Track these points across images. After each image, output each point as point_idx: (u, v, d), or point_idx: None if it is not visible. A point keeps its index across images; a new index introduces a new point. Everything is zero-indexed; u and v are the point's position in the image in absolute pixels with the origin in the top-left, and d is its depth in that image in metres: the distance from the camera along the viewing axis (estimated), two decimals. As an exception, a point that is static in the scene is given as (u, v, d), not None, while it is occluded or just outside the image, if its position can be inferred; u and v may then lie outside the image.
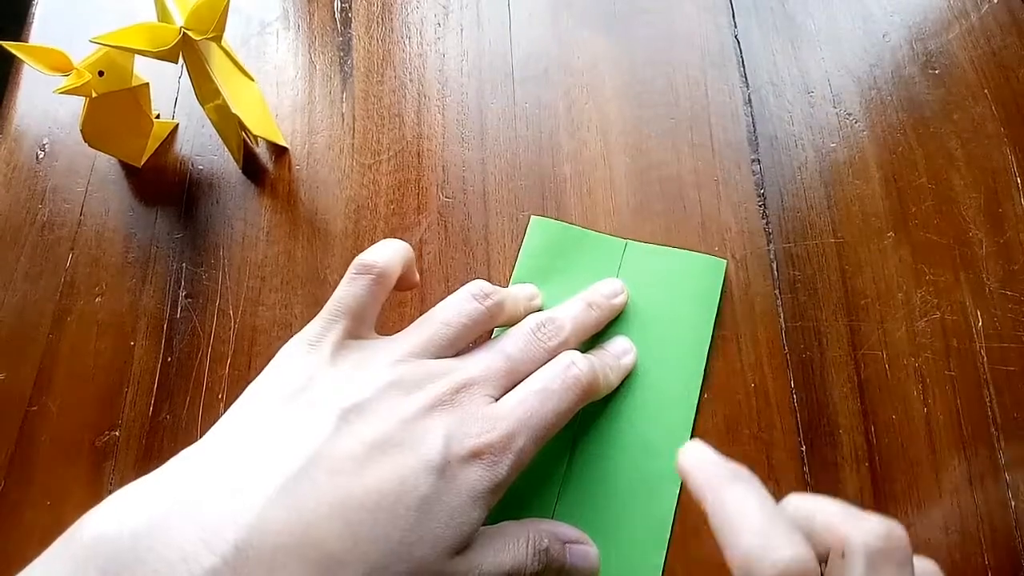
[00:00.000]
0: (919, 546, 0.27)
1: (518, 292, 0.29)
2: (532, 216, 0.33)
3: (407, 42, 0.38)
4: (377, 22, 0.38)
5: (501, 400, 0.25)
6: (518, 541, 0.24)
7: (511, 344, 0.26)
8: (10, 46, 0.29)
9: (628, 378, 0.29)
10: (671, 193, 0.33)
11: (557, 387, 0.25)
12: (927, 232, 0.32)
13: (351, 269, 0.25)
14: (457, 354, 0.26)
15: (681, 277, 0.31)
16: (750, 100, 0.35)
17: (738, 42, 0.37)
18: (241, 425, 0.22)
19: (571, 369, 0.25)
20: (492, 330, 0.29)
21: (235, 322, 0.32)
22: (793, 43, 0.36)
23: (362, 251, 0.28)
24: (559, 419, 0.25)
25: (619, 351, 0.29)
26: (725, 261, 0.31)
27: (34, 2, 0.40)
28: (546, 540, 0.24)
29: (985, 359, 0.30)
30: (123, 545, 0.17)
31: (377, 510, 0.20)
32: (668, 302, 0.30)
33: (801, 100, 0.35)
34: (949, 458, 0.28)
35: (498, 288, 0.27)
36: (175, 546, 0.17)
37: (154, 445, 0.29)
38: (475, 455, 0.23)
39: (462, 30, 0.38)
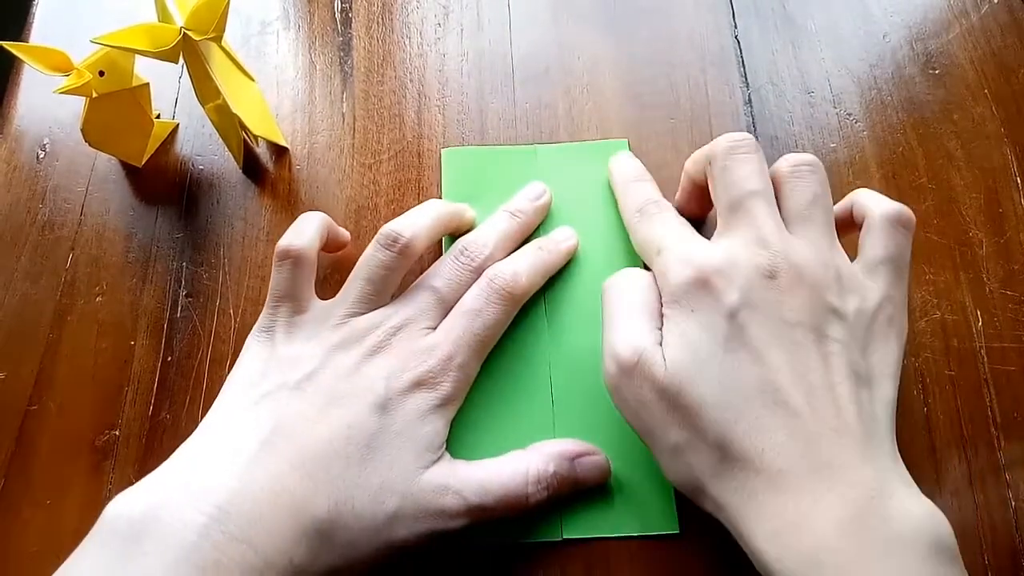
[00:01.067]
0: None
1: (428, 220, 0.29)
2: (442, 149, 0.34)
3: (407, 42, 0.38)
4: (377, 22, 0.38)
5: (436, 330, 0.27)
6: (516, 471, 0.25)
7: (436, 277, 0.28)
8: (10, 46, 0.29)
9: (581, 265, 0.31)
10: (671, 193, 0.33)
11: (482, 304, 0.27)
12: (927, 232, 0.32)
13: (274, 257, 0.28)
14: (394, 296, 0.28)
15: (592, 164, 0.33)
16: (750, 100, 0.35)
17: (738, 42, 0.37)
18: (221, 414, 0.26)
19: (493, 283, 0.28)
20: (441, 242, 0.31)
21: (235, 322, 0.32)
22: (793, 43, 0.36)
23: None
24: (493, 330, 0.28)
25: (560, 238, 0.31)
26: (626, 140, 0.34)
27: (34, 2, 0.40)
28: (552, 465, 0.26)
29: (985, 359, 0.30)
30: (137, 517, 0.21)
31: (332, 457, 0.24)
32: (588, 188, 0.33)
33: (801, 100, 0.35)
34: (949, 458, 0.28)
35: (407, 225, 0.28)
36: (175, 513, 0.21)
37: (154, 444, 0.29)
38: (416, 384, 0.26)
39: (462, 30, 0.38)
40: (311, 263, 0.28)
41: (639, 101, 0.35)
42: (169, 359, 0.31)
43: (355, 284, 0.28)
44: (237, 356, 0.31)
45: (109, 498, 0.23)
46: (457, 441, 0.27)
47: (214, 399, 0.29)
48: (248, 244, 0.33)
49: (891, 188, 0.33)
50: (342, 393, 0.25)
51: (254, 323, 0.32)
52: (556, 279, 0.31)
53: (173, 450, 0.25)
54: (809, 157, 0.26)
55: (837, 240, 0.25)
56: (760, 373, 0.22)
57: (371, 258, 0.28)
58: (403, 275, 0.28)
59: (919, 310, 0.31)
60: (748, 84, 0.36)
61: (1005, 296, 0.31)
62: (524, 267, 0.29)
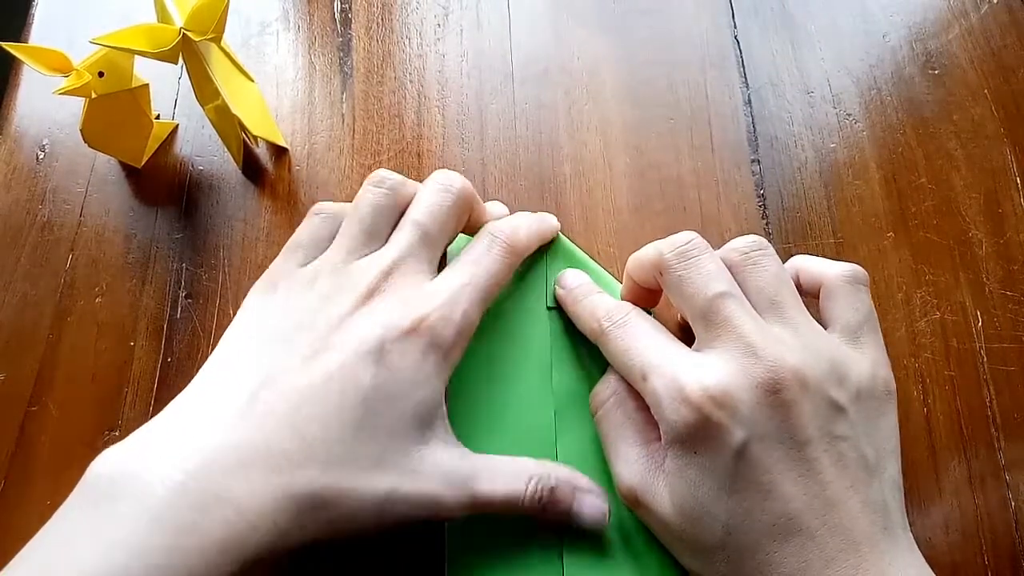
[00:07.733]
0: (918, 546, 0.27)
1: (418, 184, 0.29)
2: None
3: (407, 43, 0.38)
4: (377, 23, 0.38)
5: (436, 278, 0.26)
6: (521, 474, 0.24)
7: (416, 210, 0.27)
8: (10, 47, 0.29)
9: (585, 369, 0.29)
10: (671, 193, 0.33)
11: (482, 255, 0.27)
12: (927, 232, 0.32)
13: (308, 213, 0.28)
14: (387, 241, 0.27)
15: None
16: (750, 100, 0.35)
17: (738, 42, 0.37)
18: (213, 367, 0.24)
19: (495, 237, 0.27)
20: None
21: (235, 322, 0.32)
22: (793, 43, 0.36)
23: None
24: (495, 278, 0.26)
25: (547, 216, 0.30)
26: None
27: (34, 2, 0.40)
28: (553, 480, 0.24)
29: (985, 359, 0.30)
30: (116, 475, 0.20)
31: (324, 413, 0.22)
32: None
33: (801, 100, 0.35)
34: (949, 458, 0.28)
35: (396, 175, 0.28)
36: (154, 470, 0.20)
37: (154, 445, 0.29)
38: (413, 330, 0.24)
39: (462, 31, 0.38)
40: (334, 226, 0.27)
41: (639, 101, 0.35)
42: (169, 360, 0.31)
43: (348, 226, 0.27)
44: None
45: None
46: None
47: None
48: (248, 245, 0.33)
49: (891, 188, 0.33)
50: (334, 344, 0.23)
51: (254, 324, 0.32)
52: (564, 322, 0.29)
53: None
54: (755, 239, 0.25)
55: (809, 314, 0.25)
56: (772, 507, 0.22)
57: (361, 198, 0.27)
58: (396, 216, 0.27)
59: (919, 310, 0.31)
60: (748, 84, 0.36)
61: (1005, 296, 0.31)
62: (523, 224, 0.28)
